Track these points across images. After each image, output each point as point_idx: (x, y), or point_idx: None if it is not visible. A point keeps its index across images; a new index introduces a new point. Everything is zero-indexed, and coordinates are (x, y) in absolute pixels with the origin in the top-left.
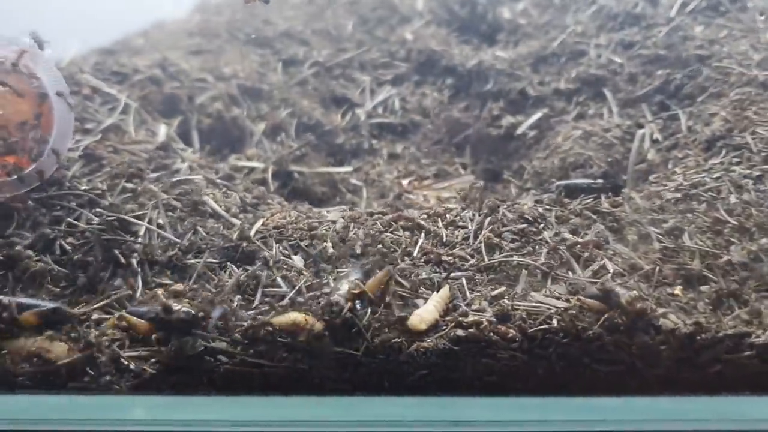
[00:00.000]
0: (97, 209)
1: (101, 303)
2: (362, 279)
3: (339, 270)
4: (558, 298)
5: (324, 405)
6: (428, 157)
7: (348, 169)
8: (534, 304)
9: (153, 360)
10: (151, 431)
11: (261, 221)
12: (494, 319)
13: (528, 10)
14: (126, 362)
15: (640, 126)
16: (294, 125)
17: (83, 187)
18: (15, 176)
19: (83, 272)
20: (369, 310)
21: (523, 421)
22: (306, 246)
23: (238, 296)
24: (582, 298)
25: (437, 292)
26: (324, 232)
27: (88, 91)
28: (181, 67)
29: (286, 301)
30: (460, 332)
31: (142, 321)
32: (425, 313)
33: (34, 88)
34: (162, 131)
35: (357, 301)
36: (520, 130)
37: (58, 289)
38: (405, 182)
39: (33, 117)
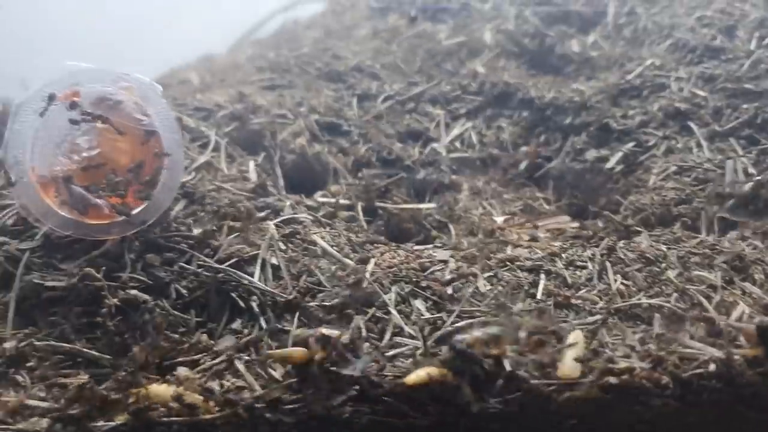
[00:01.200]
0: (208, 250)
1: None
2: (497, 331)
3: (464, 312)
4: (712, 344)
5: None
6: (510, 192)
7: (432, 205)
8: (686, 350)
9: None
10: None
11: (373, 261)
12: (646, 366)
13: (598, 43)
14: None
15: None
16: (374, 160)
17: (193, 231)
18: (124, 216)
19: (200, 316)
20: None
21: None
22: (423, 287)
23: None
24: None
25: (569, 337)
26: (438, 272)
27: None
28: (258, 103)
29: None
30: (612, 380)
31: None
32: (572, 361)
33: (142, 126)
34: (252, 168)
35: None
36: (610, 164)
37: (176, 335)
38: (499, 219)
39: (140, 154)
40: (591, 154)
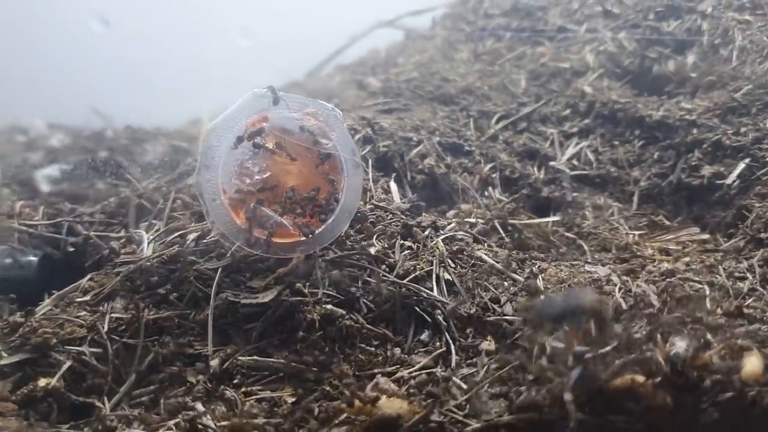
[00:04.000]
0: (385, 267)
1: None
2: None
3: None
4: None
5: None
6: (632, 209)
7: (556, 218)
8: None
9: None
10: None
11: (541, 276)
12: None
13: (697, 63)
14: None
15: None
16: (498, 179)
17: (370, 249)
18: (309, 235)
19: (388, 329)
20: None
21: None
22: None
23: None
24: None
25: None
26: (606, 287)
27: None
28: (382, 125)
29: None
30: None
31: None
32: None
33: (325, 149)
34: (394, 189)
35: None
36: (729, 180)
37: (372, 348)
38: (632, 234)
39: (314, 178)
40: (707, 170)
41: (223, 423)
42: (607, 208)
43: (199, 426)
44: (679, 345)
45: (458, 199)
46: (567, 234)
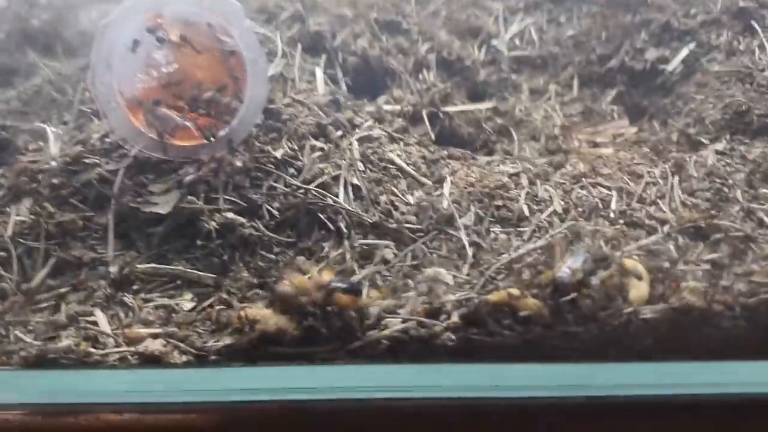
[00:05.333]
0: (293, 171)
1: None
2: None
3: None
4: None
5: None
6: (571, 93)
7: (490, 105)
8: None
9: None
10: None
11: (449, 180)
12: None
13: None
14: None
15: None
16: (435, 61)
17: (276, 153)
18: (211, 138)
19: (291, 237)
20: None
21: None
22: (500, 206)
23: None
24: None
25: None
26: (513, 191)
27: None
28: (318, 1)
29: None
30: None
31: None
32: (644, 286)
33: (225, 47)
34: (320, 77)
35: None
36: (671, 67)
37: (273, 255)
38: (560, 127)
39: (220, 74)
40: (651, 53)
41: (119, 330)
42: (545, 93)
43: (97, 333)
44: (568, 267)
45: (392, 84)
46: (499, 121)
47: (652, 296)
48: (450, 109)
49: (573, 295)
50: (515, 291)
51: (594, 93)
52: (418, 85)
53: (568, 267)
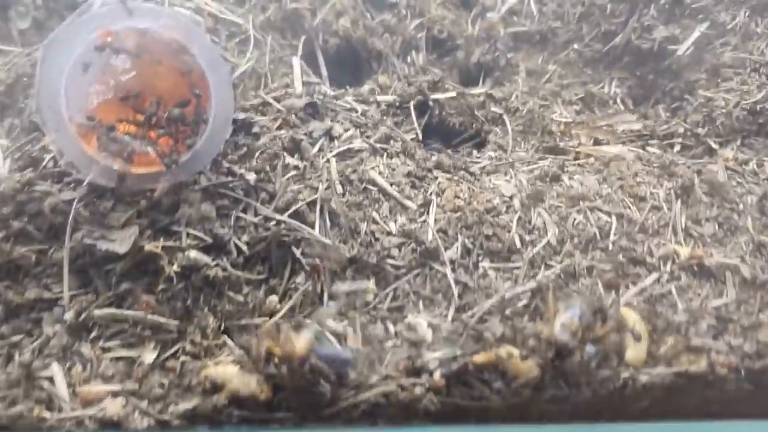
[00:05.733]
0: (264, 195)
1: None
2: (584, 312)
3: (531, 273)
4: None
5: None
6: (571, 76)
7: (484, 90)
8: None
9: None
10: None
11: (435, 204)
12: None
13: None
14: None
15: None
16: (425, 40)
17: (248, 177)
18: (171, 165)
19: (261, 273)
20: (595, 351)
21: None
22: (490, 236)
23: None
24: None
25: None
26: (505, 216)
27: (211, 22)
28: None
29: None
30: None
31: None
32: (642, 347)
33: (186, 67)
34: (297, 69)
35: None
36: (681, 50)
37: (241, 297)
38: (560, 122)
39: (182, 88)
40: (660, 32)
41: (77, 387)
42: (544, 75)
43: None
44: (564, 326)
45: (377, 68)
46: (493, 108)
47: (651, 355)
48: (440, 96)
49: (574, 357)
50: (503, 352)
51: (596, 74)
52: (406, 69)
53: (564, 325)
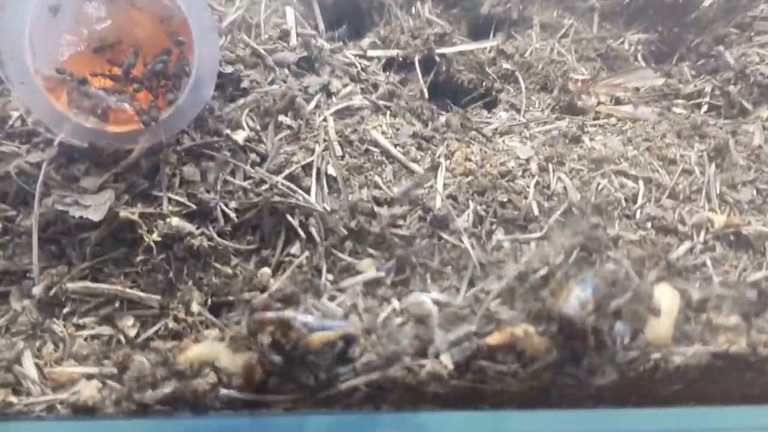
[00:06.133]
0: (255, 156)
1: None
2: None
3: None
4: None
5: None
6: (589, 28)
7: (494, 43)
8: None
9: None
10: None
11: (444, 167)
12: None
13: None
14: None
15: None
16: None
17: (237, 136)
18: (152, 123)
19: (252, 243)
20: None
21: None
22: (505, 202)
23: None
24: None
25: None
26: (521, 180)
27: None
28: None
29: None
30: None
31: None
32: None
33: (165, 9)
34: (291, 19)
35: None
36: (707, 2)
37: (229, 269)
38: (577, 80)
39: (161, 37)
40: None
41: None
42: (560, 29)
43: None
44: (576, 298)
45: (379, 20)
46: (505, 65)
47: (685, 334)
48: (447, 50)
49: (579, 334)
50: (518, 330)
51: (616, 29)
52: (411, 22)
53: (574, 299)
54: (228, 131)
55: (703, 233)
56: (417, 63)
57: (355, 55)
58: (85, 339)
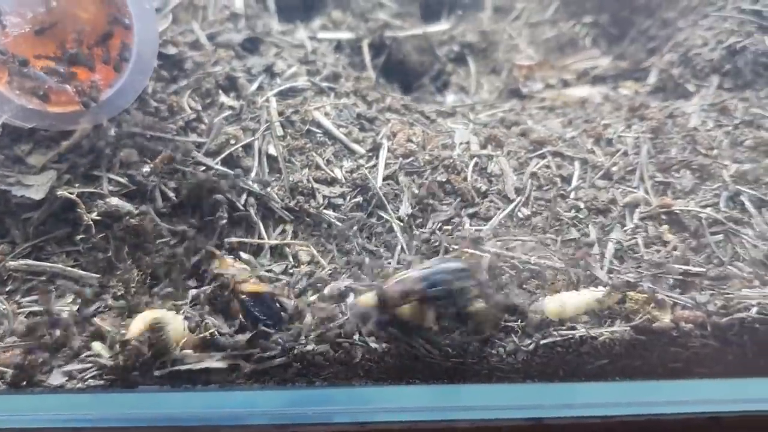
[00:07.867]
0: (195, 137)
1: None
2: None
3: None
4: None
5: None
6: (541, 12)
7: (445, 27)
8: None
9: None
10: None
11: (386, 147)
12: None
13: None
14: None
15: None
16: None
17: (177, 117)
18: (92, 104)
19: (194, 219)
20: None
21: None
22: (443, 183)
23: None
24: None
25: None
26: (459, 162)
27: None
28: None
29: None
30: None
31: None
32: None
33: None
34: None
35: None
36: None
37: (168, 249)
38: (523, 65)
39: (102, 18)
40: None
41: None
42: (512, 12)
43: None
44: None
45: (331, 2)
46: (455, 48)
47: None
48: (399, 33)
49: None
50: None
51: (568, 12)
52: (362, 4)
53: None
54: (168, 112)
55: (638, 212)
56: (366, 46)
57: (306, 37)
58: (26, 316)
